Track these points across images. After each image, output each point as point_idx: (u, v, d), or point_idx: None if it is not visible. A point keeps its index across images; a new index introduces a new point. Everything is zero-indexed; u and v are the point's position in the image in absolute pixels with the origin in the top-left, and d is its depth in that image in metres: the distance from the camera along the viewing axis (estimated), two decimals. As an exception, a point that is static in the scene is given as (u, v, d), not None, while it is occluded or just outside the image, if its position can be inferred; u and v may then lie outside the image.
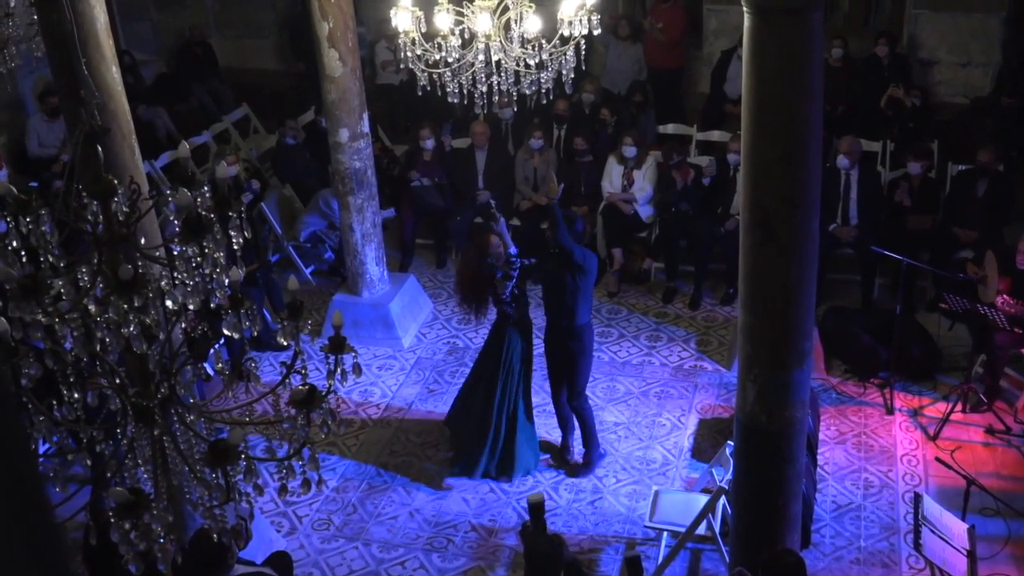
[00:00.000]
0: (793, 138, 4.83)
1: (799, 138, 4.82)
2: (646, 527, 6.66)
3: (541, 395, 7.74)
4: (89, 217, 3.21)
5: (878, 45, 10.87)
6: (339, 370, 3.54)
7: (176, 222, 3.17)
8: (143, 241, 3.42)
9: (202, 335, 3.45)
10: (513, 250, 6.93)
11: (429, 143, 10.04)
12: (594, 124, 10.45)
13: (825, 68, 4.94)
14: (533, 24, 5.91)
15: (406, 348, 8.96)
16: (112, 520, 3.06)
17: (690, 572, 6.57)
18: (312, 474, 3.45)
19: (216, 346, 3.50)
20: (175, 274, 3.22)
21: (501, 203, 10.03)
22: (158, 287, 3.25)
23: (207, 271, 3.20)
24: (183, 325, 3.47)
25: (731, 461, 6.03)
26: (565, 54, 5.94)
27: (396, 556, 6.80)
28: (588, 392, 7.43)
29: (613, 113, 10.44)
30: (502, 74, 6.01)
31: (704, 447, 7.57)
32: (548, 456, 7.57)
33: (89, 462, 3.49)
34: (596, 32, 5.92)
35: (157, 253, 3.43)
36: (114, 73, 5.76)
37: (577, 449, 7.49)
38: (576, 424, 7.42)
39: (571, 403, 7.31)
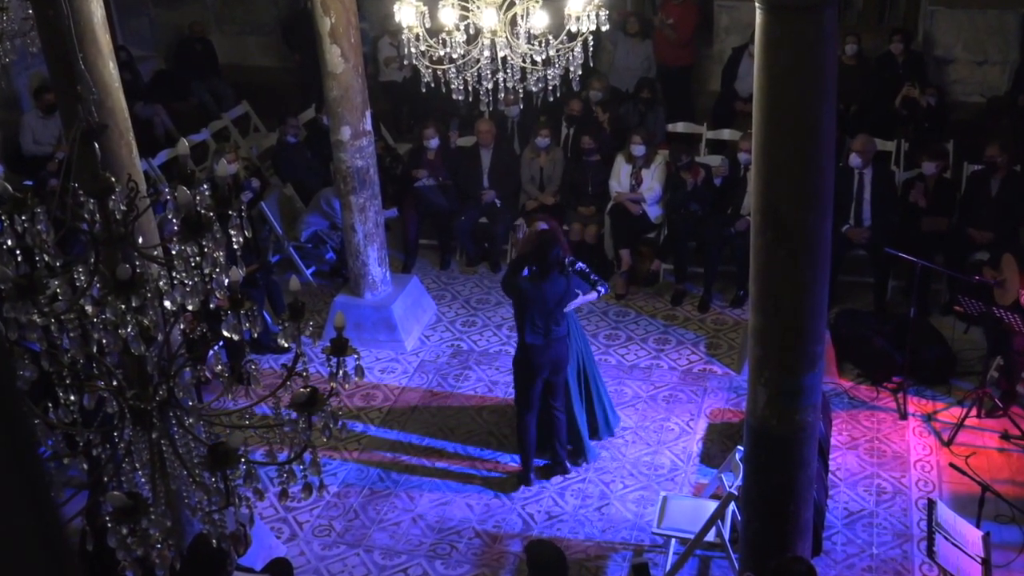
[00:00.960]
0: (806, 137, 4.82)
1: (812, 137, 4.81)
2: (654, 533, 6.65)
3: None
4: (86, 216, 3.21)
5: (893, 42, 10.86)
6: (341, 372, 3.54)
7: (175, 221, 3.17)
8: (141, 240, 3.42)
9: (201, 337, 3.45)
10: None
11: (433, 142, 10.03)
12: (602, 123, 10.44)
13: (839, 66, 4.92)
14: (540, 20, 5.91)
15: (409, 351, 8.96)
16: (109, 525, 3.06)
17: (699, 580, 6.57)
18: (313, 478, 3.45)
19: (215, 348, 3.49)
20: (174, 274, 3.22)
21: (506, 203, 10.08)
22: (156, 287, 3.24)
23: (206, 271, 3.20)
24: (182, 326, 3.47)
25: (741, 466, 6.02)
26: (573, 50, 5.94)
27: (398, 563, 6.79)
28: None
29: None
30: (508, 71, 6.01)
31: (713, 452, 7.56)
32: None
33: (85, 466, 3.49)
34: (604, 28, 5.91)
35: (155, 252, 3.43)
36: (111, 69, 5.76)
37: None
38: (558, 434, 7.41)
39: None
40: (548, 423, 7.34)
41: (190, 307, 3.25)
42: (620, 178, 9.72)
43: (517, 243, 7.42)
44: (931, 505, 5.97)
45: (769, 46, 4.72)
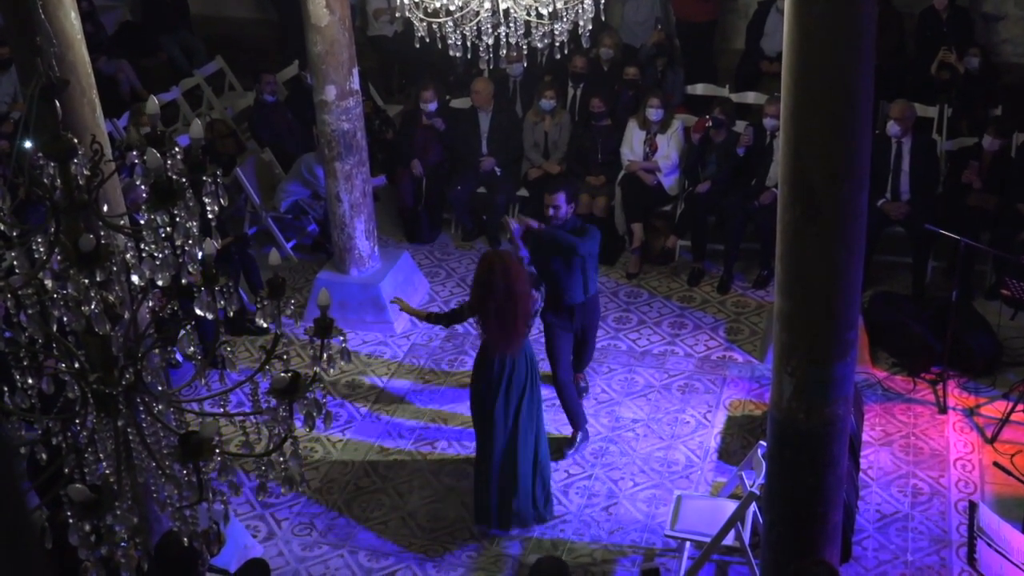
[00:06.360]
0: (840, 101, 4.80)
1: (846, 101, 4.80)
2: (667, 536, 6.68)
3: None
4: (45, 181, 3.21)
5: (937, -3, 10.82)
6: (325, 356, 3.55)
7: (143, 187, 3.17)
8: (106, 208, 3.43)
9: (172, 315, 3.46)
10: (524, 254, 6.94)
11: (432, 106, 9.98)
12: (614, 83, 10.41)
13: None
14: (546, -32, 5.88)
15: (399, 333, 8.98)
16: (70, 521, 3.07)
17: (715, 588, 6.62)
18: (294, 472, 3.46)
19: (187, 328, 3.50)
20: (142, 246, 3.22)
21: (507, 171, 10.07)
22: (123, 260, 3.25)
23: (178, 243, 3.21)
24: (150, 304, 3.48)
25: (763, 464, 6.04)
26: (582, 3, 5.91)
27: (386, 565, 6.83)
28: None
29: (640, 71, 10.38)
30: (511, 25, 5.99)
31: (733, 448, 7.58)
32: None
33: (44, 456, 3.50)
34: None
35: (122, 222, 3.43)
36: (72, 20, 5.75)
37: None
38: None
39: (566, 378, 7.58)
40: None
41: (160, 282, 3.26)
42: (633, 145, 9.70)
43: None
44: (972, 508, 5.99)
45: (800, -1, 4.70)
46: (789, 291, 5.25)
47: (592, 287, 7.51)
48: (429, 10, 6.03)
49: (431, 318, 7.11)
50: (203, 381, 3.64)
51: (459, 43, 6.05)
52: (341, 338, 3.57)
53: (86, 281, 3.10)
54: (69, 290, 3.14)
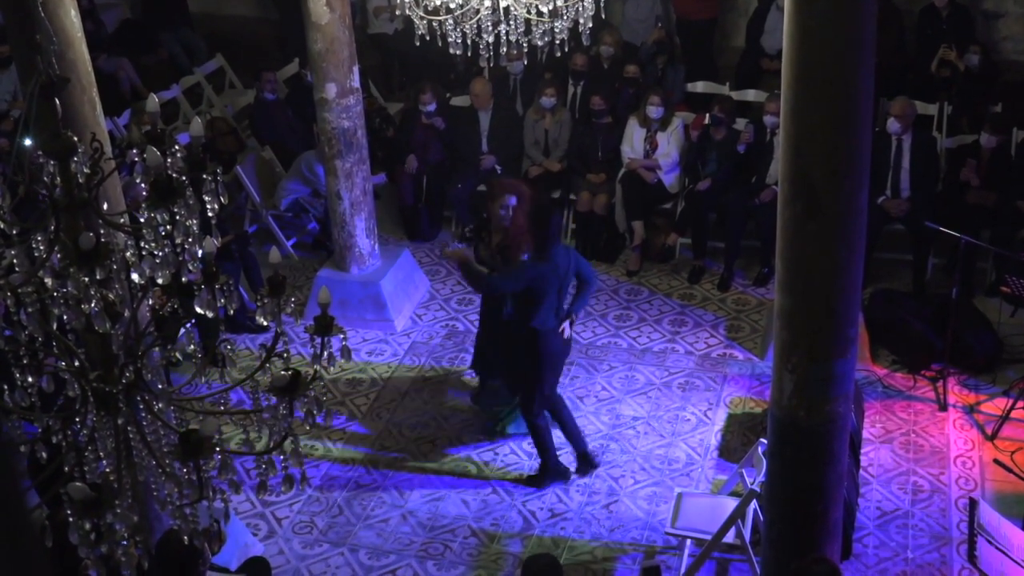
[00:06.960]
0: (840, 98, 4.79)
1: (847, 98, 4.79)
2: (667, 534, 6.68)
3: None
4: (45, 179, 3.20)
5: (937, -6, 10.81)
6: (326, 354, 3.54)
7: (143, 185, 3.16)
8: (106, 207, 3.42)
9: (172, 313, 3.45)
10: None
11: (431, 107, 9.97)
12: (614, 81, 10.40)
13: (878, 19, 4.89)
14: (546, -34, 5.87)
15: (399, 331, 8.97)
16: (70, 519, 3.06)
17: (716, 585, 6.61)
18: (294, 470, 3.45)
19: (187, 326, 3.50)
20: (142, 244, 3.22)
21: (507, 169, 10.06)
22: (123, 258, 3.24)
23: (178, 241, 3.20)
24: (150, 302, 3.47)
25: (764, 461, 6.04)
26: (582, 1, 5.91)
27: (386, 564, 6.83)
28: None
29: (641, 69, 10.38)
30: (511, 22, 5.98)
31: (733, 445, 7.58)
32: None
33: (44, 454, 3.50)
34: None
35: (122, 220, 3.43)
36: (73, 17, 5.75)
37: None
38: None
39: (524, 416, 7.32)
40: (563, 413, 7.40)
41: (160, 281, 3.25)
42: (633, 143, 9.70)
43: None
44: (972, 505, 5.99)
45: (801, -4, 4.70)
46: (789, 288, 5.25)
47: (543, 318, 6.91)
48: (429, 8, 6.02)
49: (481, 279, 7.25)
50: (203, 379, 3.64)
51: (459, 41, 6.04)
52: (341, 336, 3.56)
53: (86, 279, 3.09)
54: (69, 288, 3.13)
